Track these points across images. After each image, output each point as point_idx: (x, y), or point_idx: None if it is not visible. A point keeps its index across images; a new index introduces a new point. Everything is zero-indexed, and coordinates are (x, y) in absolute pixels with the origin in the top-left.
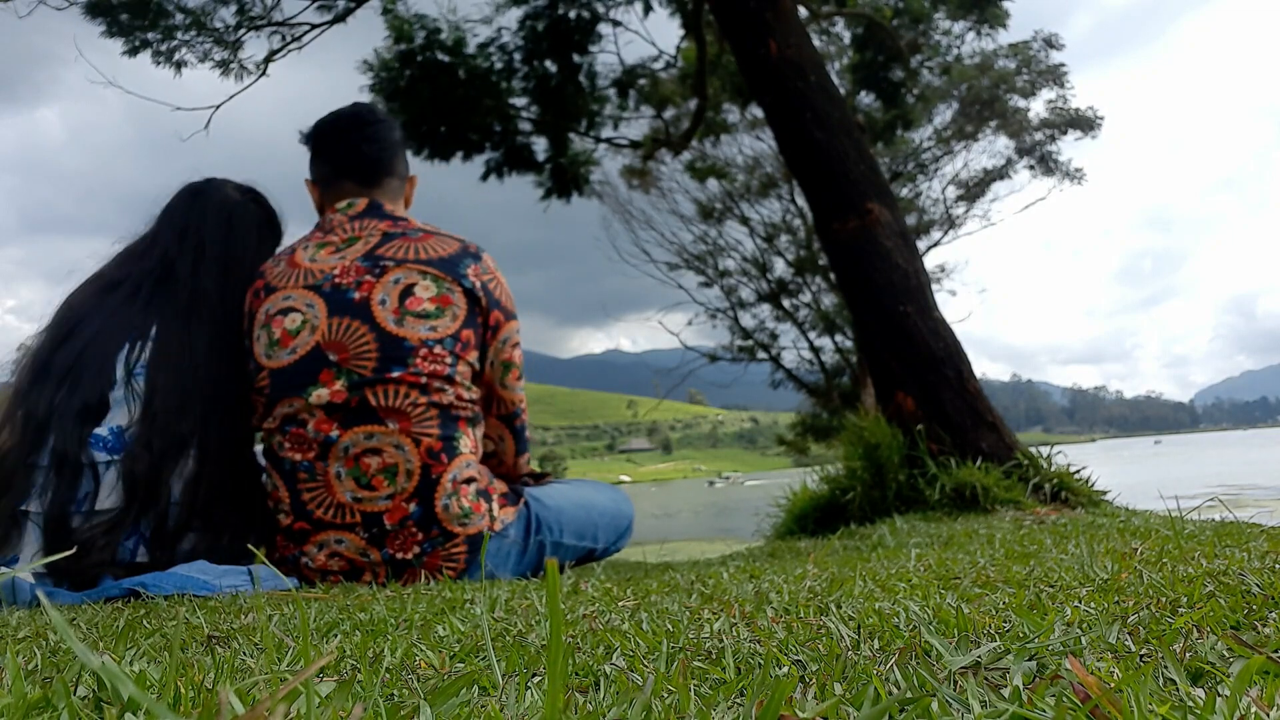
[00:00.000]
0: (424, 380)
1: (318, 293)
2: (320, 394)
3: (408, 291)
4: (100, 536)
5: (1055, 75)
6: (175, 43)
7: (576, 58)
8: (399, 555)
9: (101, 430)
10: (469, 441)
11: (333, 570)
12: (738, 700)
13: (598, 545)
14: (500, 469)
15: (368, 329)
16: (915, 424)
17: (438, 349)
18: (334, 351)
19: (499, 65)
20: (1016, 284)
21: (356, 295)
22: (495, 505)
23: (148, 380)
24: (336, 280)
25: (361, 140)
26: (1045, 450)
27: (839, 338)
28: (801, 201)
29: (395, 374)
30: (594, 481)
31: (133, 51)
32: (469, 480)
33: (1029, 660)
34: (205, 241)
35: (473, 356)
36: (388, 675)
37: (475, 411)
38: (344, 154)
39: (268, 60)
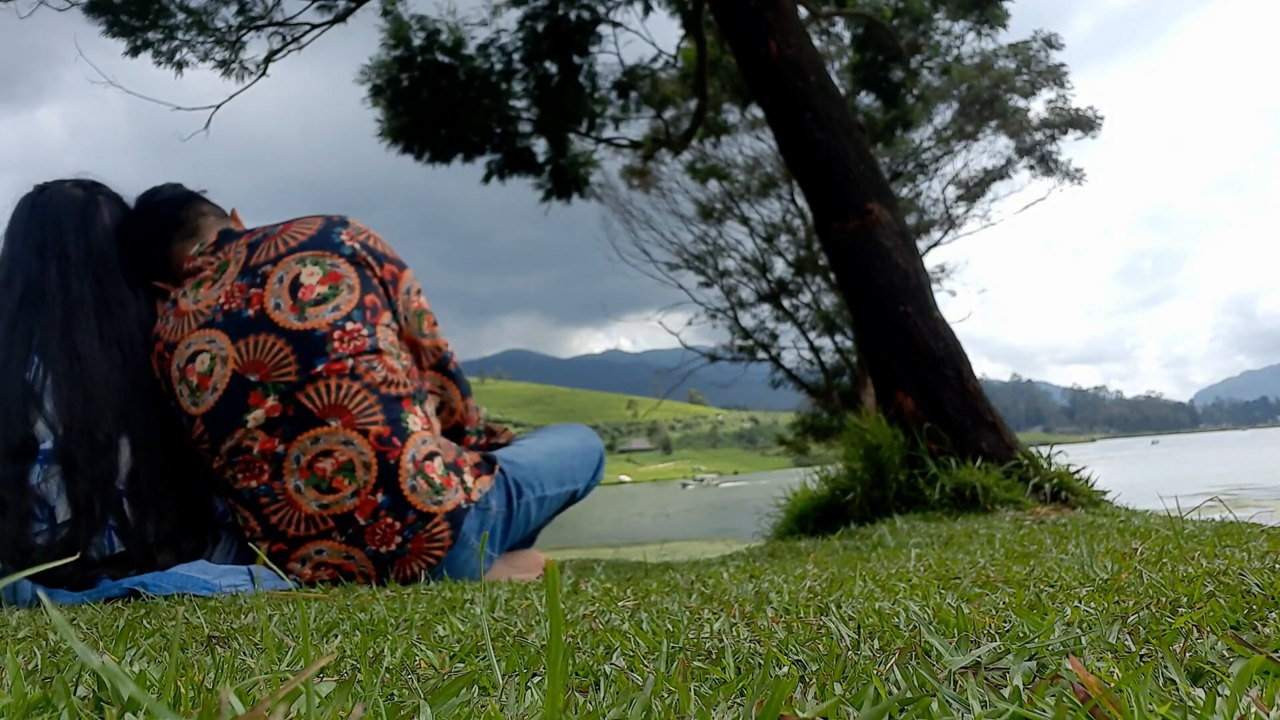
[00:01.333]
0: (350, 363)
1: (213, 327)
2: (256, 416)
3: (295, 284)
4: (62, 555)
5: (1055, 75)
6: (176, 43)
7: (576, 58)
8: (383, 549)
9: (39, 463)
10: (419, 419)
11: (322, 580)
12: (738, 700)
13: (578, 486)
14: (453, 420)
15: (274, 337)
16: (915, 424)
17: (350, 325)
18: (252, 372)
19: (499, 66)
20: (1016, 284)
21: (250, 312)
22: (468, 476)
23: (54, 401)
24: (225, 307)
25: (155, 218)
26: (1045, 450)
27: (839, 338)
28: (801, 201)
29: (320, 367)
30: (554, 426)
31: (134, 51)
32: (430, 456)
33: (1029, 660)
34: (66, 249)
35: (386, 319)
36: (388, 675)
37: (417, 388)
38: (158, 233)
39: (268, 60)
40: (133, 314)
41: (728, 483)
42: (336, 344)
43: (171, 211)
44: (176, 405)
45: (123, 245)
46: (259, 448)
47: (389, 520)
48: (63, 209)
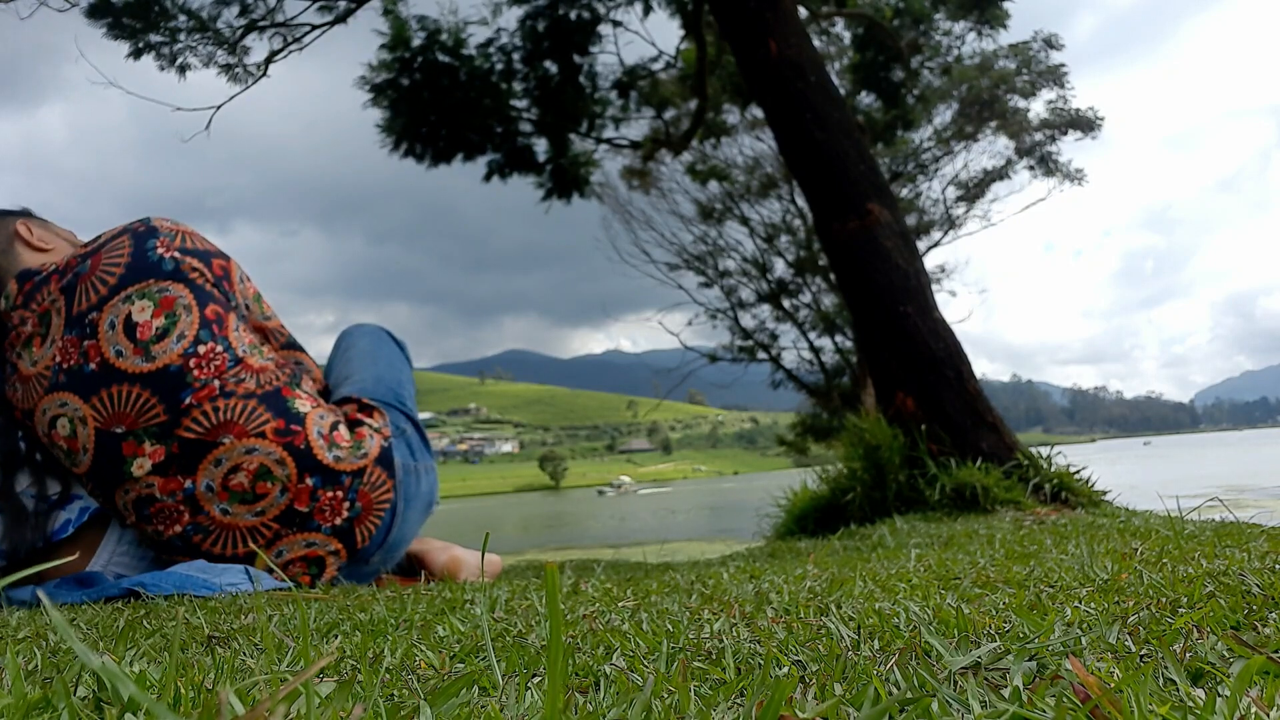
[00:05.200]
0: (217, 384)
1: (61, 390)
2: (140, 464)
3: (130, 325)
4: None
5: (1055, 76)
6: (179, 46)
7: (577, 58)
8: (337, 521)
9: None
10: (304, 399)
11: (297, 573)
12: (738, 700)
13: (407, 369)
14: (317, 386)
15: (127, 384)
16: (915, 424)
17: (201, 349)
18: (117, 425)
19: (499, 66)
20: (1016, 284)
21: (93, 365)
22: (369, 421)
23: None
24: (64, 365)
25: None
26: (1045, 451)
27: (839, 338)
28: (801, 201)
29: (187, 400)
30: (338, 346)
31: (136, 54)
32: (334, 426)
33: (1029, 660)
34: None
35: (233, 322)
36: (388, 675)
37: (291, 373)
38: None
39: (269, 61)
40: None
41: (646, 489)
42: (195, 372)
43: None
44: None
45: None
46: (161, 490)
47: (329, 494)
48: None
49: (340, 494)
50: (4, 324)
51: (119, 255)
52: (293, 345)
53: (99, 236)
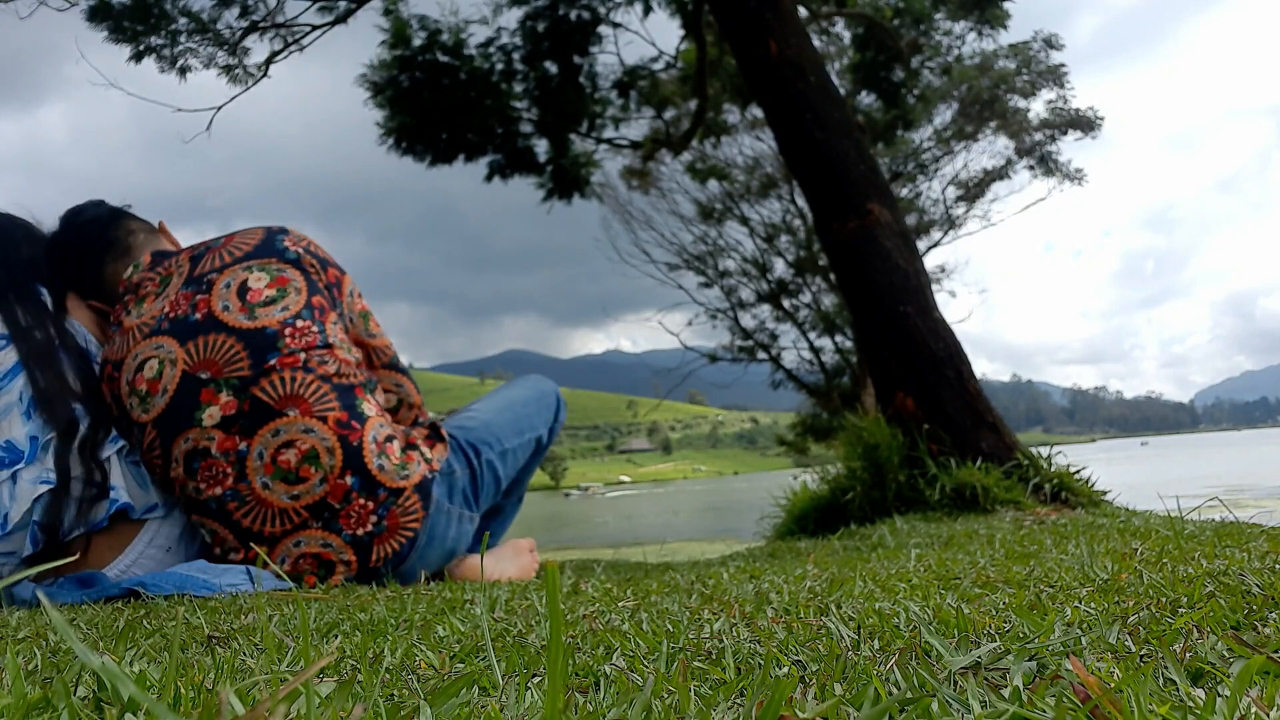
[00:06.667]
0: (302, 356)
1: (160, 334)
2: (211, 413)
3: (243, 289)
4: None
5: (1055, 75)
6: (180, 48)
7: (577, 59)
8: (359, 531)
9: None
10: (372, 405)
11: (305, 571)
12: (738, 700)
13: (540, 432)
14: (411, 414)
15: (224, 335)
16: (915, 424)
17: (300, 323)
18: (203, 370)
19: (499, 66)
20: (1016, 284)
21: (198, 315)
22: (424, 449)
23: None
24: (171, 315)
25: (84, 238)
26: (1045, 450)
27: (839, 338)
28: (801, 201)
29: (273, 361)
30: (505, 384)
31: (137, 57)
32: (389, 439)
33: (1029, 660)
34: None
35: (334, 318)
36: (388, 675)
37: (368, 378)
38: (89, 253)
39: (269, 61)
40: (18, 311)
41: (614, 492)
42: (288, 339)
43: (100, 231)
44: (127, 423)
45: (51, 265)
46: (218, 447)
47: (361, 501)
48: None
49: (372, 505)
50: (127, 290)
51: (250, 239)
52: (395, 367)
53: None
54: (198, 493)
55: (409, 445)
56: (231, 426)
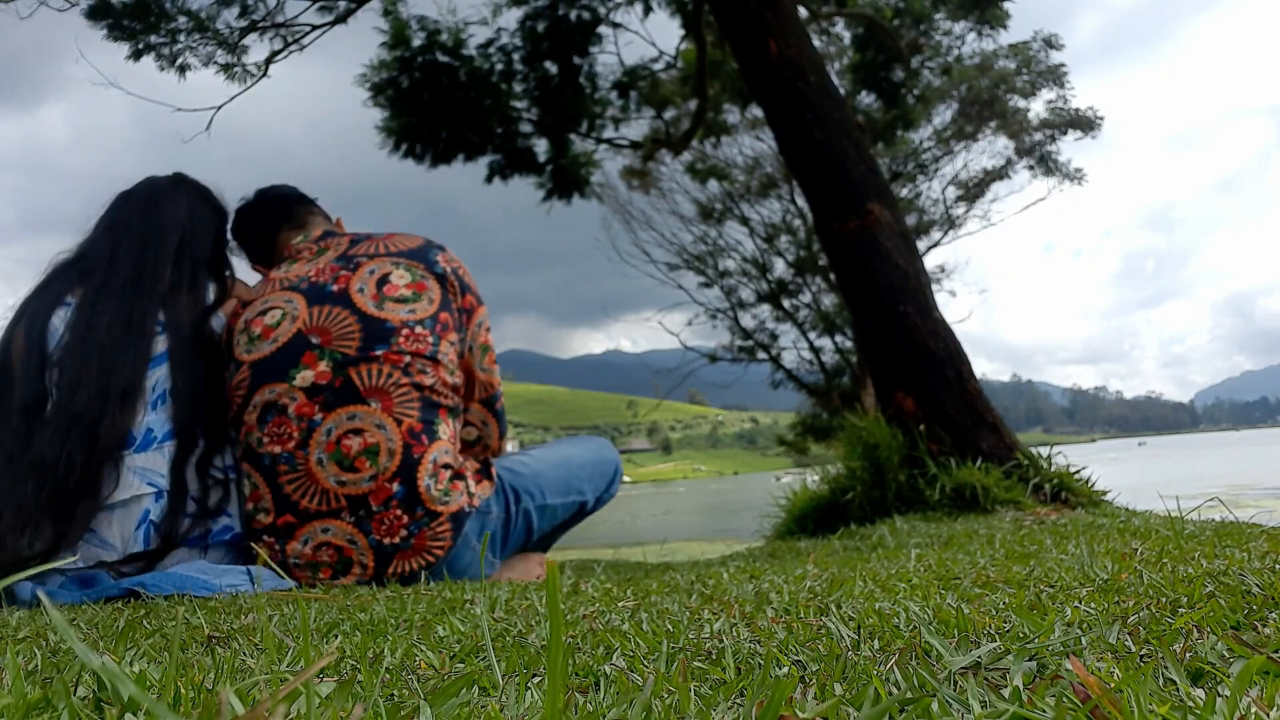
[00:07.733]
0: (406, 360)
1: (295, 291)
2: (305, 375)
3: (384, 280)
4: (8, 533)
5: (1055, 75)
6: (179, 46)
7: (577, 59)
8: (386, 540)
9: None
10: (448, 430)
11: (322, 562)
12: (738, 700)
13: (586, 497)
14: (485, 454)
15: (349, 313)
16: (915, 424)
17: (419, 329)
18: (316, 335)
19: (499, 67)
20: (1016, 284)
21: (335, 287)
22: (470, 482)
23: (59, 364)
24: (313, 279)
25: (269, 209)
26: (1045, 450)
27: (839, 338)
28: (801, 201)
29: (379, 352)
30: (572, 437)
31: (136, 55)
32: (446, 466)
33: (1029, 660)
34: (129, 225)
35: (453, 338)
36: (388, 675)
37: (456, 402)
38: (268, 222)
39: (269, 61)
40: (183, 301)
41: None
42: (401, 339)
43: (285, 205)
44: (229, 357)
45: (236, 232)
46: (296, 410)
47: (398, 512)
48: (142, 194)
49: (406, 519)
50: (290, 255)
51: (410, 242)
52: (490, 406)
53: None
54: (259, 444)
55: (457, 475)
56: (316, 395)
